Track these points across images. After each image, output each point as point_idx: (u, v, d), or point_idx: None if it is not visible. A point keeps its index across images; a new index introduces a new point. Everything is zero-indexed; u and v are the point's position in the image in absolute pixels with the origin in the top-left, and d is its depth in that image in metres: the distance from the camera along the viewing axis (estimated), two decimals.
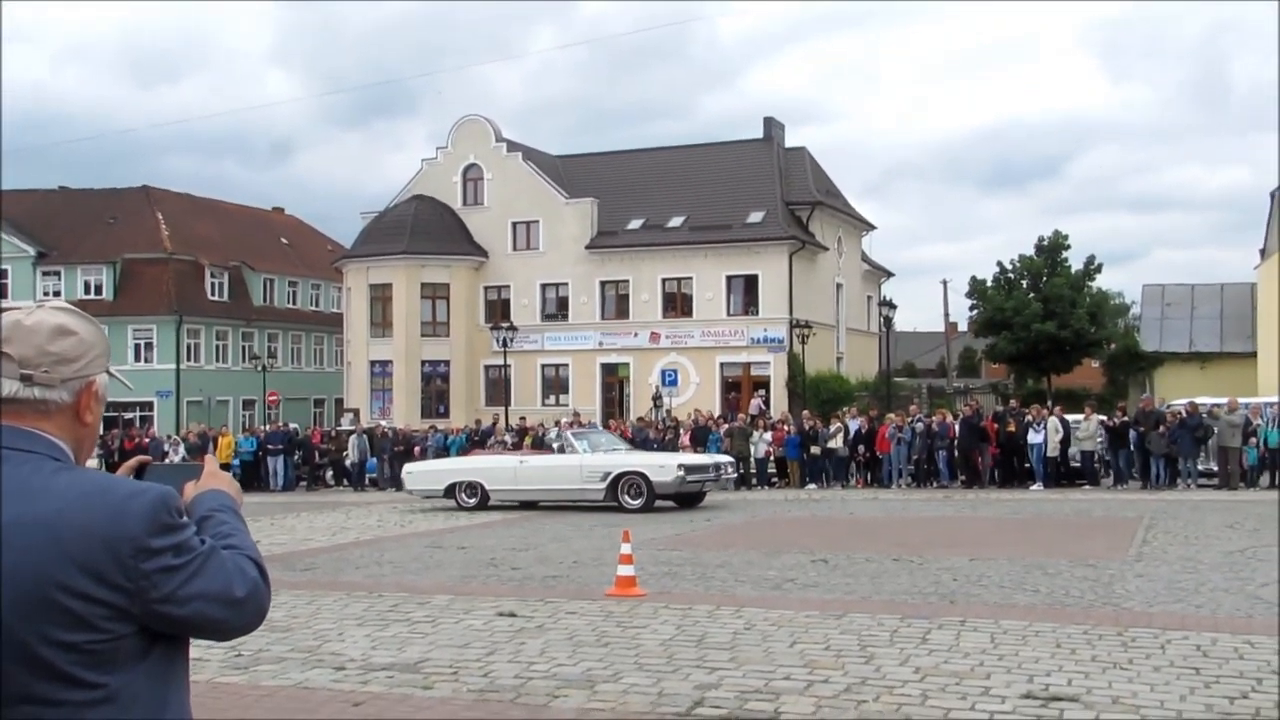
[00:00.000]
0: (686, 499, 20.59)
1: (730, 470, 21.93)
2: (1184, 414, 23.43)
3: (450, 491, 21.54)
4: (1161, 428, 23.07)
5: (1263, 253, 43.22)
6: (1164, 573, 10.88)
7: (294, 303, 56.39)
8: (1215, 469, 23.29)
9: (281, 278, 55.83)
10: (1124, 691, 6.43)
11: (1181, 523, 15.45)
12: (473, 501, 21.26)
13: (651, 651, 7.69)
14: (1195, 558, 11.90)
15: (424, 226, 44.41)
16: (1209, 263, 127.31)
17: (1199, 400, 24.67)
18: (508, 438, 28.86)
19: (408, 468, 23.53)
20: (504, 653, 7.75)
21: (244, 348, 51.62)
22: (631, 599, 9.73)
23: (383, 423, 35.05)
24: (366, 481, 30.71)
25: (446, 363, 44.41)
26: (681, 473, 19.90)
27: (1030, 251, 45.91)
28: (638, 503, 19.78)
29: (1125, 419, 24.16)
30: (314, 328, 56.47)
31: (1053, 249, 45.41)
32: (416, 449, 29.88)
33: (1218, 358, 40.44)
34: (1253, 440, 22.95)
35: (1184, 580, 10.39)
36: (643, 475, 19.98)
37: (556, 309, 44.97)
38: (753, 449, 26.38)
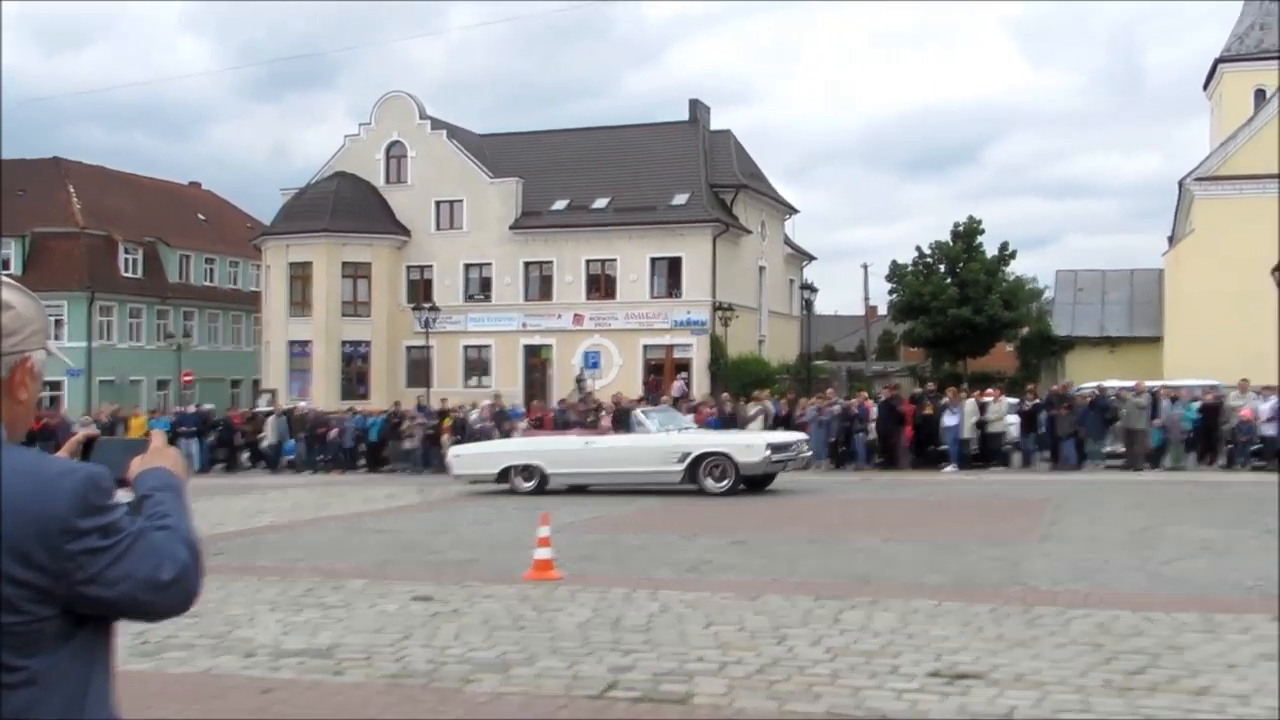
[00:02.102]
0: (758, 481, 19.41)
1: (806, 449, 21.05)
2: (1093, 396, 23.99)
3: (504, 475, 20.23)
4: (1070, 409, 23.58)
5: (1171, 240, 44.37)
6: (1070, 552, 11.14)
7: (211, 280, 55.40)
8: (1121, 450, 23.89)
9: (198, 254, 54.79)
10: (1028, 668, 6.58)
11: (1088, 503, 15.83)
12: (529, 485, 19.97)
13: (567, 635, 7.70)
14: (1100, 537, 12.20)
15: (346, 204, 43.83)
16: (1120, 249, 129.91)
17: (1107, 384, 25.28)
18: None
19: (455, 450, 22.04)
20: (418, 637, 7.71)
21: (158, 326, 50.64)
22: (548, 582, 9.73)
23: (301, 404, 34.59)
24: (283, 464, 30.30)
25: (367, 343, 43.94)
26: (769, 452, 18.86)
27: (948, 237, 46.57)
28: (722, 485, 18.72)
29: (1036, 401, 24.65)
30: (231, 306, 55.52)
31: (969, 234, 46.06)
32: (332, 431, 29.52)
33: (1127, 342, 41.45)
34: (1156, 421, 23.57)
35: (1089, 559, 10.65)
36: (726, 455, 18.92)
37: (480, 290, 44.72)
38: None
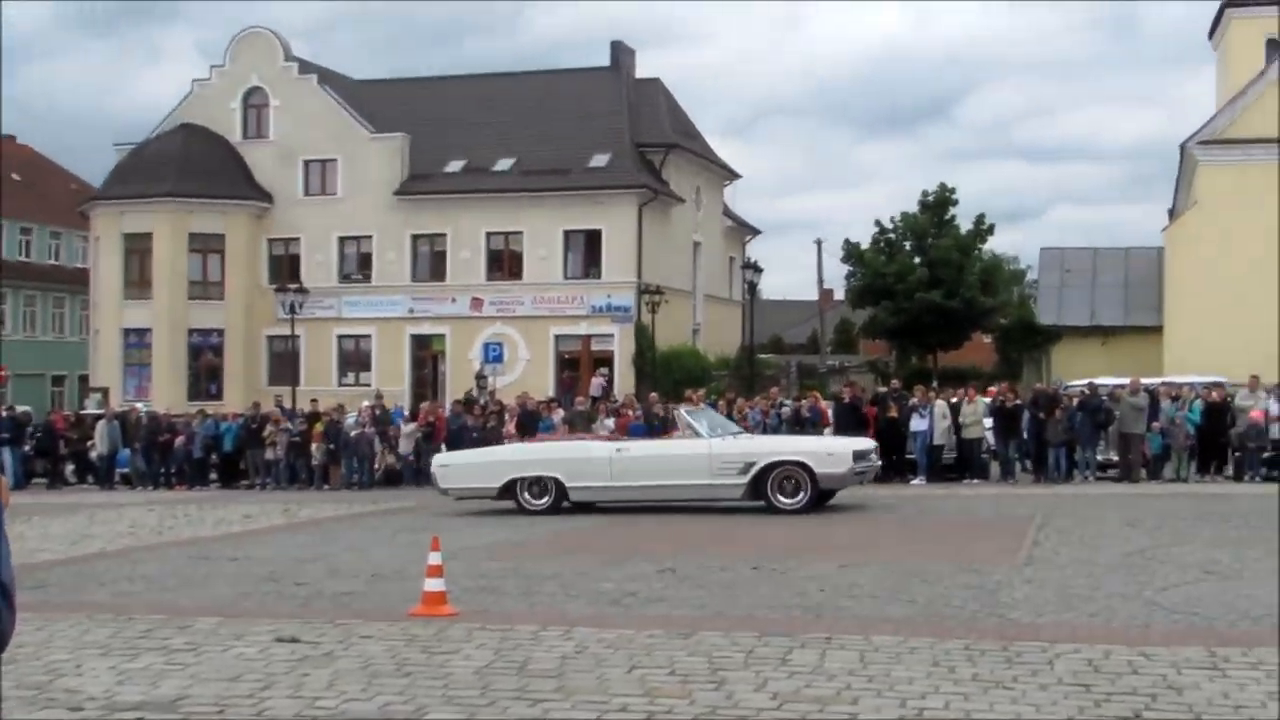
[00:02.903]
0: (823, 495, 18.93)
1: (877, 458, 20.76)
2: (1083, 396, 24.46)
3: (509, 490, 19.45)
4: (1059, 412, 24.02)
5: (1171, 213, 45.38)
6: (1055, 578, 11.36)
7: (27, 255, 54.46)
8: (1115, 458, 24.40)
9: (11, 223, 53.81)
10: (1006, 713, 6.70)
11: (1077, 520, 16.15)
12: (542, 503, 19.19)
13: (463, 681, 7.68)
14: (1090, 560, 12.46)
15: (194, 163, 43.28)
16: (1115, 223, 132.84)
17: (1099, 381, 25.81)
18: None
19: (440, 459, 21.17)
20: (283, 686, 7.64)
21: None
22: (440, 619, 9.70)
23: (139, 406, 34.09)
24: (117, 478, 29.84)
25: (220, 332, 43.47)
26: (854, 462, 18.61)
27: (914, 208, 47.11)
28: (795, 501, 18.21)
29: (1018, 401, 25.07)
30: (53, 287, 54.61)
31: (939, 205, 46.67)
32: (177, 438, 29.11)
33: (1121, 332, 42.32)
34: (1156, 425, 24.10)
35: (1077, 586, 10.87)
36: (803, 465, 18.40)
37: (357, 268, 44.46)
38: None
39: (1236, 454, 23.94)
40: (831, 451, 19.05)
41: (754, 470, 18.36)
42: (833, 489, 18.98)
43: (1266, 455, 23.62)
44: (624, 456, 19.16)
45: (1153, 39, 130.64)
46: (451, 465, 20.67)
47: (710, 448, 18.76)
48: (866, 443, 20.43)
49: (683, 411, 21.14)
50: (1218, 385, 25.32)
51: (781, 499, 18.27)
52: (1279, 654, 7.70)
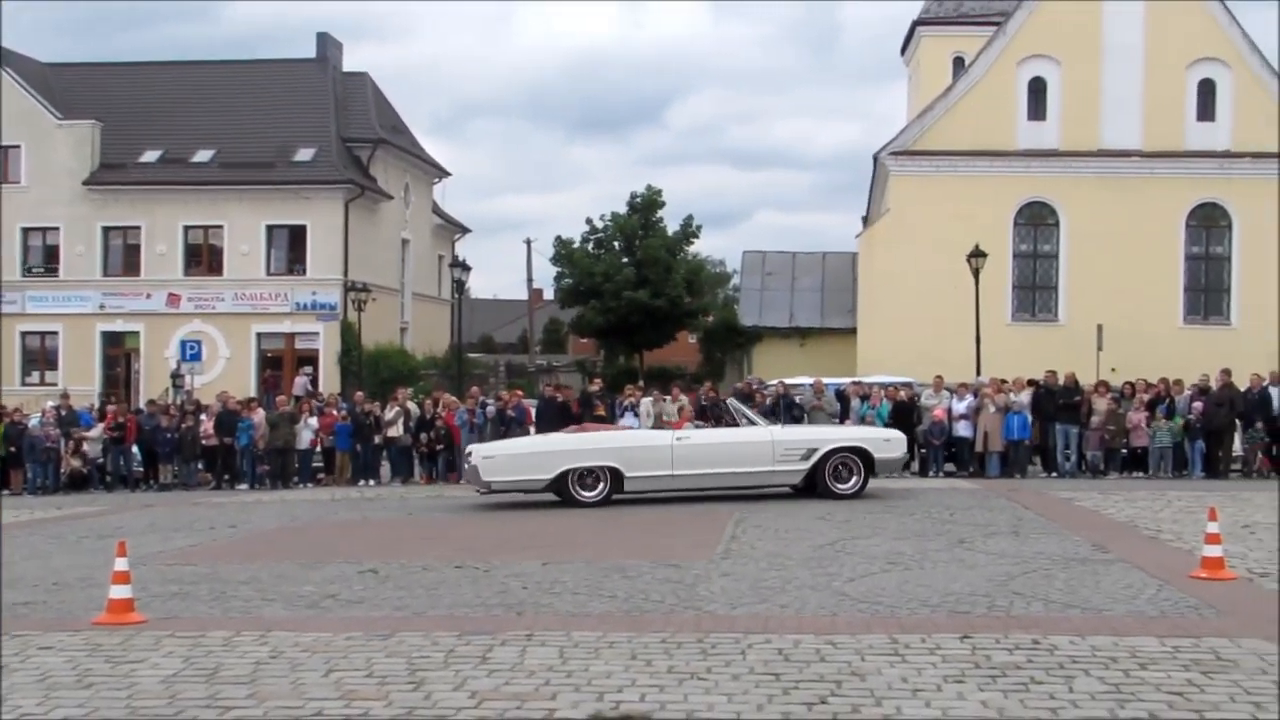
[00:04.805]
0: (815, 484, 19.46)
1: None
2: (775, 396, 25.38)
3: (560, 482, 18.91)
4: (756, 409, 24.81)
5: (865, 220, 47.60)
6: (750, 571, 11.73)
7: None
8: None
9: None
10: (700, 704, 6.89)
11: (773, 515, 16.70)
12: (594, 494, 18.83)
13: (149, 691, 7.43)
14: (784, 554, 12.92)
15: None
16: (815, 229, 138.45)
17: (791, 381, 26.85)
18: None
19: (482, 450, 19.73)
20: None
21: None
22: (127, 627, 9.35)
23: None
24: None
25: None
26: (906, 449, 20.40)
27: (623, 209, 47.92)
28: (849, 486, 19.09)
29: (717, 399, 25.74)
30: None
31: (648, 206, 47.63)
32: None
33: (818, 333, 44.12)
34: (847, 424, 25.16)
35: (770, 579, 11.26)
36: (861, 451, 19.26)
37: (43, 261, 42.34)
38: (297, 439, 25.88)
39: (922, 450, 25.23)
40: (888, 438, 20.14)
41: (816, 457, 19.09)
42: (887, 473, 20.51)
43: (949, 451, 25.01)
44: (684, 445, 19.21)
45: (850, 54, 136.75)
46: (497, 457, 19.37)
47: (773, 435, 19.44)
48: (899, 434, 21.19)
49: (732, 401, 21.54)
50: (906, 385, 26.66)
51: (837, 485, 19.10)
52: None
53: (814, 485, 19.21)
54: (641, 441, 19.78)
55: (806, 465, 19.09)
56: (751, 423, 19.94)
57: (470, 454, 19.80)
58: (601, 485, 18.95)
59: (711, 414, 21.54)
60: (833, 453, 19.23)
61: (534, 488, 19.30)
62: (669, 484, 19.27)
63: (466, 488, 23.92)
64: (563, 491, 18.99)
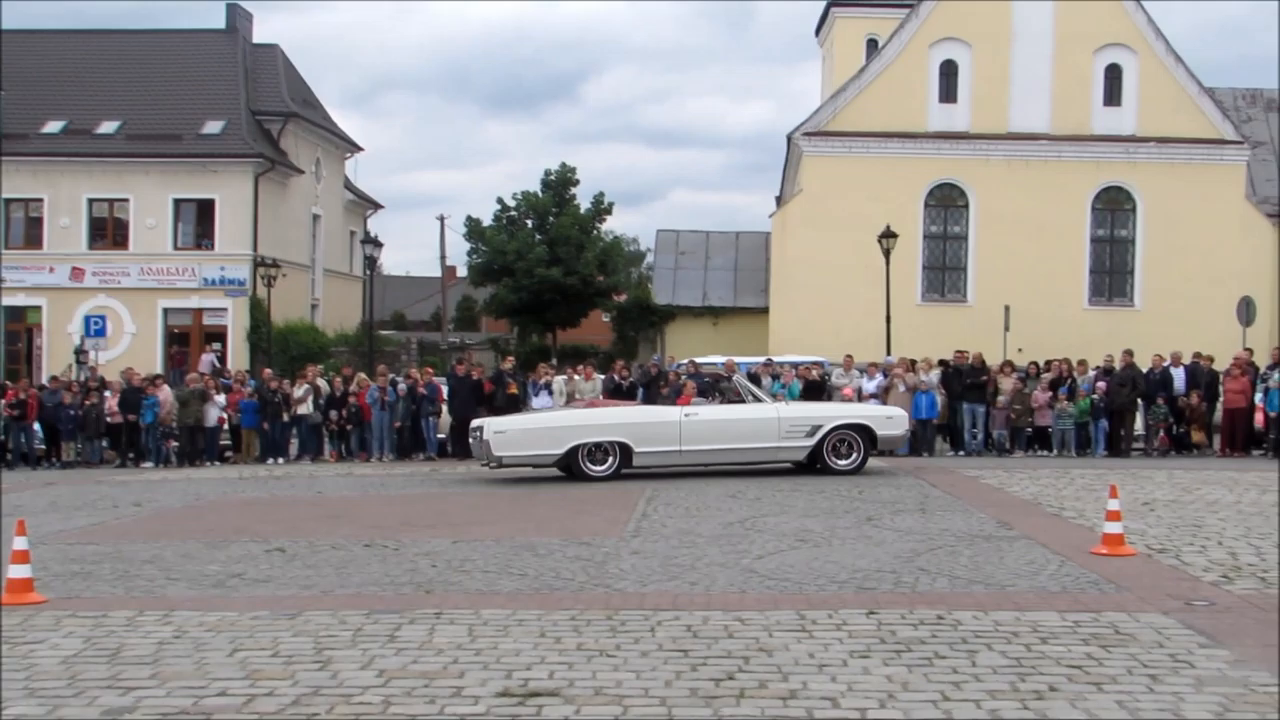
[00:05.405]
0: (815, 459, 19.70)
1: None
2: (687, 373, 25.42)
3: (570, 456, 18.99)
4: (665, 389, 24.85)
5: (779, 200, 47.85)
6: (661, 548, 11.78)
7: None
8: None
9: None
10: (608, 681, 6.92)
11: (684, 493, 16.78)
12: (603, 468, 18.98)
13: (49, 672, 7.33)
14: (694, 531, 12.99)
15: None
16: (730, 208, 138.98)
17: (702, 360, 26.96)
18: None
19: (495, 424, 19.61)
20: None
21: None
22: (26, 607, 9.20)
23: None
24: None
25: None
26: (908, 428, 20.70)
27: (537, 186, 47.77)
28: (849, 462, 19.42)
29: (631, 380, 25.80)
30: None
31: (561, 184, 47.51)
32: None
33: (731, 313, 44.34)
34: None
35: (680, 556, 11.32)
36: (863, 428, 19.57)
37: None
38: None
39: None
40: (891, 415, 20.46)
41: (821, 433, 19.37)
42: (889, 450, 20.98)
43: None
44: (693, 420, 19.37)
45: (765, 33, 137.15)
46: (509, 432, 19.37)
47: (779, 412, 19.70)
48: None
49: (739, 378, 21.69)
50: (817, 364, 26.87)
51: (836, 460, 19.44)
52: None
53: (815, 461, 19.59)
54: (651, 418, 19.88)
55: (811, 441, 19.43)
56: (758, 399, 20.37)
57: (481, 428, 19.78)
58: (611, 460, 19.16)
59: (709, 392, 21.67)
60: (835, 429, 19.61)
61: (544, 462, 19.52)
62: (677, 459, 19.53)
63: (377, 465, 23.83)
64: (572, 466, 19.15)
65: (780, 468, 19.84)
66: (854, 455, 19.56)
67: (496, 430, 19.33)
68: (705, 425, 19.43)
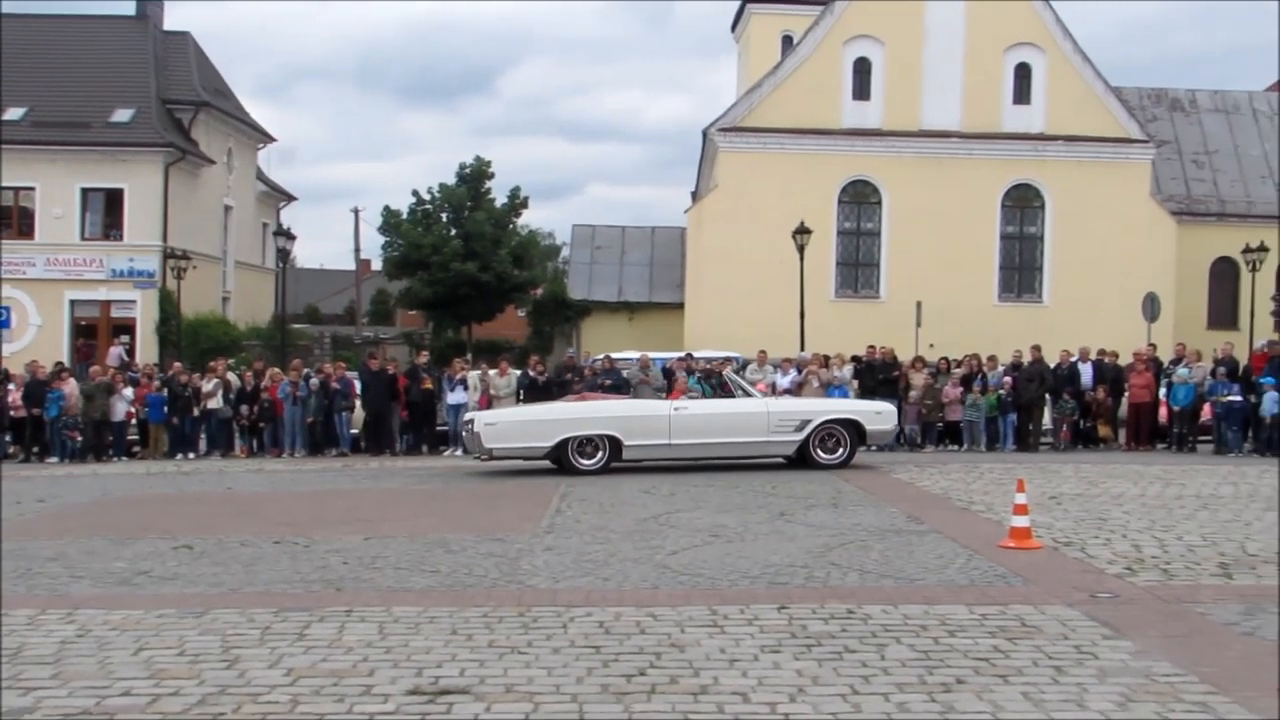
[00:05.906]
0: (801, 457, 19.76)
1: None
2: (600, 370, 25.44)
3: (559, 450, 18.98)
4: (578, 385, 24.84)
5: (694, 195, 48.01)
6: (574, 544, 11.77)
7: None
8: None
9: None
10: (519, 678, 6.90)
11: (599, 489, 16.76)
12: (592, 462, 18.98)
13: None
14: (608, 527, 12.99)
15: None
16: (645, 203, 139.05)
17: (617, 355, 26.96)
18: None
19: (483, 417, 19.83)
20: None
21: None
22: None
23: None
24: None
25: None
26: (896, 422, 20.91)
27: (452, 180, 47.52)
28: (836, 457, 19.50)
29: (547, 376, 25.75)
30: None
31: (476, 178, 47.33)
32: None
33: (647, 308, 44.43)
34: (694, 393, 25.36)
35: (594, 552, 11.31)
36: (851, 423, 19.71)
37: None
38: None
39: None
40: (879, 411, 20.54)
41: (809, 428, 19.50)
42: (877, 445, 21.32)
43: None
44: (682, 415, 19.45)
45: (682, 27, 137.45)
46: (499, 424, 19.53)
47: (768, 406, 19.99)
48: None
49: (728, 373, 21.90)
50: (731, 359, 26.97)
51: (822, 454, 19.52)
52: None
53: (804, 456, 19.68)
54: (641, 411, 19.97)
55: (800, 436, 19.56)
56: (747, 394, 20.65)
57: (472, 420, 19.94)
58: (600, 454, 19.22)
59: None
60: (824, 424, 19.74)
61: (534, 455, 19.53)
62: (666, 453, 19.64)
63: (288, 461, 23.57)
64: (562, 459, 19.18)
65: (763, 463, 19.96)
66: (840, 450, 19.70)
67: (487, 422, 19.56)
68: (694, 419, 19.57)
